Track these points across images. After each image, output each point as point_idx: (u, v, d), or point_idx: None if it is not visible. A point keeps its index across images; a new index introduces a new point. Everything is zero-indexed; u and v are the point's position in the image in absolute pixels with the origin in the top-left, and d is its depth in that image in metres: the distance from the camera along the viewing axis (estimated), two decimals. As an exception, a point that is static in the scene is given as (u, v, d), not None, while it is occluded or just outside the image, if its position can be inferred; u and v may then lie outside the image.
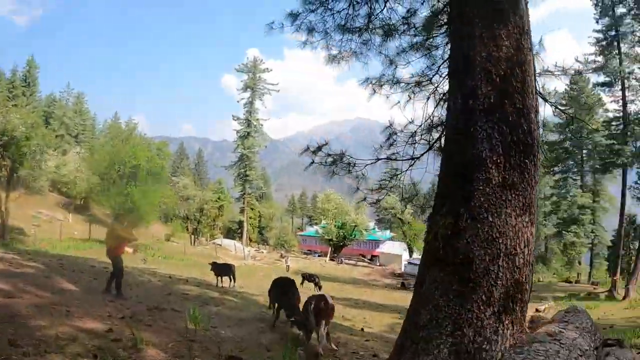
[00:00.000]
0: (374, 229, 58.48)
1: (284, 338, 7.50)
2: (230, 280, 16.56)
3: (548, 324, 3.39)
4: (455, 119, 3.87)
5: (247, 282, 19.77)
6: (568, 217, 40.47)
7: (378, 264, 49.99)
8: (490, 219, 3.40)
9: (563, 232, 40.79)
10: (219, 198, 58.02)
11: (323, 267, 41.21)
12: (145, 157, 30.92)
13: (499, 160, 3.52)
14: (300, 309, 8.46)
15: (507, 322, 3.27)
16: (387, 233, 60.94)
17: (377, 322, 12.89)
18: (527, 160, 3.60)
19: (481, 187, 3.48)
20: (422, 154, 5.90)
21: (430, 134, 5.90)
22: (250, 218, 65.37)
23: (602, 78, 27.10)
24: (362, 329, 11.07)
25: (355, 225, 52.20)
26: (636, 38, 25.14)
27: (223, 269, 16.85)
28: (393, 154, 6.25)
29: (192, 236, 51.44)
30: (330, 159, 6.43)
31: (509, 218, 3.42)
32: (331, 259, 49.56)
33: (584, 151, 37.72)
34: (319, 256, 54.43)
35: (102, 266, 15.09)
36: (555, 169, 39.03)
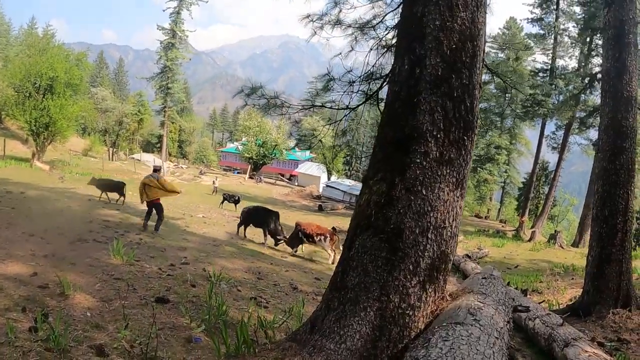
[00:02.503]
0: (293, 148, 59.80)
1: (206, 270, 7.62)
2: (120, 197, 16.48)
3: (468, 294, 3.70)
4: (399, 85, 3.81)
5: (166, 202, 19.54)
6: (484, 155, 43.50)
7: (296, 184, 51.14)
8: (424, 193, 3.52)
9: (478, 168, 44.11)
10: (139, 111, 55.76)
11: (242, 184, 41.63)
12: (63, 69, 28.57)
13: (438, 136, 3.58)
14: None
15: (430, 290, 3.54)
16: (307, 154, 62.08)
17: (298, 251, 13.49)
18: (465, 137, 3.69)
19: (418, 160, 3.55)
20: (359, 105, 5.85)
21: (369, 86, 5.81)
22: (170, 132, 64.19)
23: (535, 29, 28.05)
24: (283, 256, 11.59)
25: (276, 145, 52.86)
26: (577, -2, 25.78)
27: (107, 186, 16.50)
28: (328, 101, 6.13)
29: (111, 150, 49.51)
30: (263, 101, 6.20)
31: (441, 193, 3.56)
32: (250, 177, 50.20)
33: (507, 95, 39.66)
34: (238, 173, 54.94)
35: (19, 191, 14.20)
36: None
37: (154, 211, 11.42)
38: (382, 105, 5.98)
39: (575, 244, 22.61)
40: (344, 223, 22.94)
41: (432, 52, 3.64)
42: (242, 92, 5.86)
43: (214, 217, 16.40)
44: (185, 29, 57.85)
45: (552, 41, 26.65)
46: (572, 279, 11.99)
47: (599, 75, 23.67)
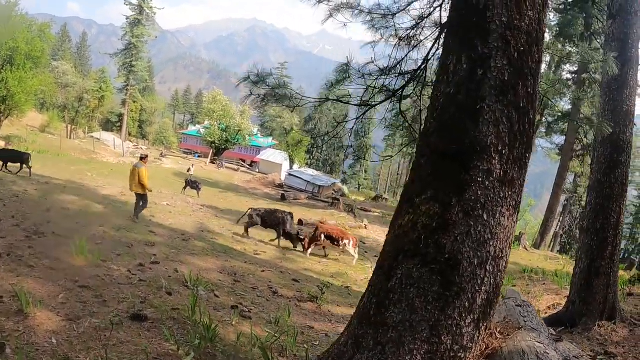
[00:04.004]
0: (256, 134, 58.64)
1: (179, 271, 6.93)
2: (21, 167, 15.64)
3: (518, 330, 3.25)
4: (455, 87, 3.23)
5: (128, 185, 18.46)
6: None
7: (257, 171, 50.31)
8: (485, 218, 3.00)
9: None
10: (100, 88, 53.13)
11: (203, 169, 40.53)
12: (24, 39, 26.80)
13: (503, 151, 3.07)
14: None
15: (482, 328, 3.07)
16: (270, 140, 61.60)
17: (267, 245, 13.01)
18: (527, 155, 3.24)
19: (480, 179, 3.01)
20: (380, 103, 5.21)
21: (396, 81, 5.16)
22: (131, 111, 62.21)
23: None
24: (256, 254, 11.04)
25: (240, 130, 51.86)
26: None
27: (10, 157, 15.67)
28: (345, 96, 5.44)
29: (69, 127, 46.96)
30: (267, 89, 5.43)
31: (502, 218, 3.06)
32: (211, 162, 48.99)
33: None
34: (198, 157, 53.77)
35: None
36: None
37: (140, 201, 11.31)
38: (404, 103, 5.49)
39: (537, 246, 23.22)
40: (310, 214, 22.47)
41: (499, 52, 3.11)
42: (248, 80, 5.06)
43: (178, 205, 15.44)
44: (153, 6, 55.64)
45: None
46: (544, 284, 12.07)
47: (570, 82, 24.39)
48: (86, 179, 16.42)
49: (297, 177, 40.82)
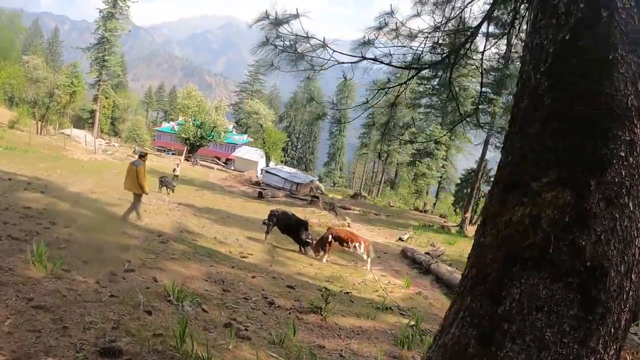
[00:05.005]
0: (231, 131, 58.00)
1: (158, 281, 5.98)
2: None
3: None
4: (573, 31, 2.35)
5: (100, 182, 16.97)
6: (423, 149, 43.96)
7: (232, 169, 49.22)
8: (631, 207, 2.12)
9: (417, 162, 44.45)
10: (72, 83, 51.60)
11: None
12: None
13: (646, 117, 2.21)
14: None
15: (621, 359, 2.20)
16: (245, 137, 61.09)
17: (253, 245, 12.03)
18: None
19: (622, 154, 2.13)
20: (429, 67, 4.20)
21: (451, 40, 4.16)
22: (103, 107, 61.23)
23: (491, 28, 28.06)
24: (243, 256, 10.17)
25: (215, 126, 50.84)
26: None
27: None
28: (386, 55, 4.39)
29: (39, 124, 45.33)
30: (286, 43, 4.35)
31: (646, 207, 2.20)
32: (186, 159, 47.84)
33: (451, 92, 39.79)
34: (172, 154, 52.65)
35: None
36: (421, 101, 40.89)
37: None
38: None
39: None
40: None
41: None
42: (266, 19, 3.93)
43: (153, 203, 14.20)
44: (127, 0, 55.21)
45: (505, 41, 26.62)
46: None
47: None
48: (54, 175, 15.23)
49: (274, 174, 39.71)
